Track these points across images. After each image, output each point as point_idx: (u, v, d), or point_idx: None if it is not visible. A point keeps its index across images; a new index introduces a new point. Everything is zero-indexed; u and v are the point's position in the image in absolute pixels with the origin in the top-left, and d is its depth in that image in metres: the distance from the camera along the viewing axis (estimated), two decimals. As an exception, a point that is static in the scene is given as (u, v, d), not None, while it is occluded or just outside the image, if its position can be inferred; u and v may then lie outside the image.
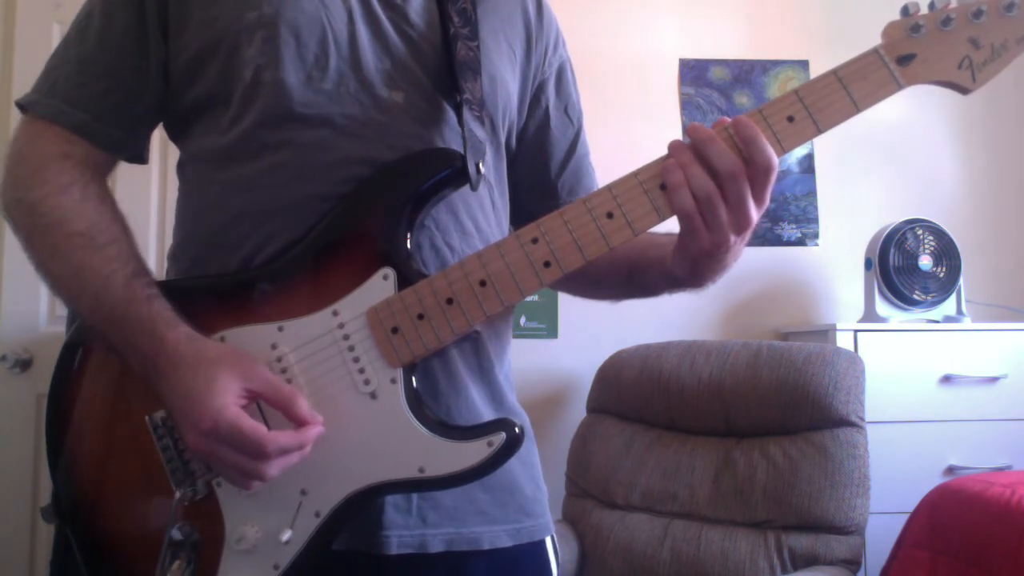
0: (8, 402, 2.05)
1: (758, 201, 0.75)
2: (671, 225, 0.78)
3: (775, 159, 0.74)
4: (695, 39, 2.54)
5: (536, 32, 1.01)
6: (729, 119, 0.75)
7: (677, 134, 2.46)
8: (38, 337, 2.07)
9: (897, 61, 0.76)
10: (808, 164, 2.51)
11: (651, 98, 2.50)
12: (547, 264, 0.77)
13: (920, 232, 2.21)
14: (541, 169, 1.04)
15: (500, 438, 0.76)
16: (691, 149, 0.75)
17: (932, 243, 2.21)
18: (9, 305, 2.08)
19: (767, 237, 2.46)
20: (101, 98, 0.86)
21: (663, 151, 0.77)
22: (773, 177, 0.74)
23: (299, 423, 0.75)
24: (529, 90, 1.01)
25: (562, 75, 1.06)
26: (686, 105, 2.51)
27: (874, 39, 0.79)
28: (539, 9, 1.03)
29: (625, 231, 0.77)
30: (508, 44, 0.97)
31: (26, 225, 0.82)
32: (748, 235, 0.78)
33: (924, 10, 0.78)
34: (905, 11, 0.77)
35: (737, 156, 0.73)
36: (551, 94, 1.04)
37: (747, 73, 2.54)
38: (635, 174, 0.77)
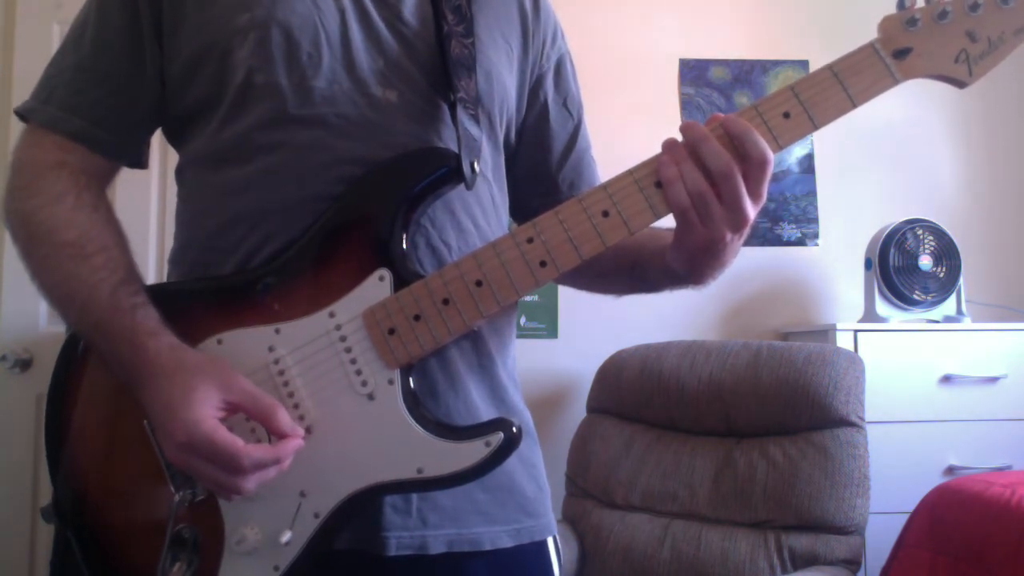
0: (8, 402, 2.05)
1: (754, 197, 0.74)
2: (669, 222, 0.78)
3: (769, 153, 0.73)
4: (695, 39, 2.54)
5: (533, 26, 1.00)
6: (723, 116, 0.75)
7: (677, 134, 2.45)
8: (38, 337, 2.07)
9: (893, 55, 0.76)
10: (808, 164, 2.50)
11: (651, 98, 2.50)
12: (543, 263, 0.77)
13: (920, 232, 2.21)
14: (541, 163, 1.04)
15: (498, 438, 0.76)
16: (685, 147, 0.75)
17: (932, 243, 2.20)
18: (9, 305, 2.08)
19: (767, 237, 2.46)
20: (98, 104, 0.86)
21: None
22: (768, 171, 0.74)
23: (279, 436, 0.74)
24: (527, 85, 1.00)
25: (560, 68, 1.05)
26: (686, 105, 2.51)
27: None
28: (536, 2, 1.02)
29: (621, 229, 0.76)
30: (504, 39, 0.97)
31: (21, 235, 0.83)
32: (746, 232, 0.77)
33: (920, 3, 0.77)
34: (901, 4, 0.76)
35: (731, 154, 0.73)
36: (549, 88, 1.03)
37: (747, 73, 2.53)
38: (630, 172, 0.77)
